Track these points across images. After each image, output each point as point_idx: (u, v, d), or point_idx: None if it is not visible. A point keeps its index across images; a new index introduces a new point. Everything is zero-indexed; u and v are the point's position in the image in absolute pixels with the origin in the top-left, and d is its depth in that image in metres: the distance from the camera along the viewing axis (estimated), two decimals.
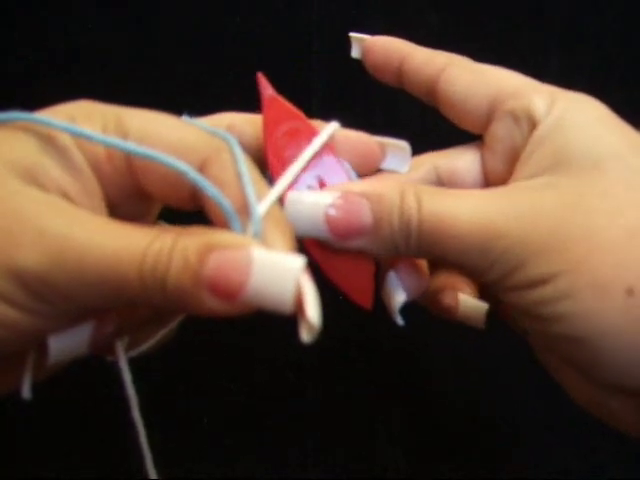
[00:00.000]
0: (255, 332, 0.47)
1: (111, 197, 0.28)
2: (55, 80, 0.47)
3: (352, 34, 0.34)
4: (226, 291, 0.23)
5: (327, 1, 0.48)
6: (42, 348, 0.26)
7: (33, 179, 0.25)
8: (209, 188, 0.25)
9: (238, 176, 0.26)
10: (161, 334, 0.29)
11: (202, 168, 0.26)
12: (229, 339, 0.47)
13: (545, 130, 0.29)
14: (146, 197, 0.28)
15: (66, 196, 0.26)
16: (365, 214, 0.27)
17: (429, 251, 0.28)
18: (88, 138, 0.26)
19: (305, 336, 0.24)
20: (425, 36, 0.44)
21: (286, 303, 0.23)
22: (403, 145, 0.31)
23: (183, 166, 0.25)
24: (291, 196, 0.28)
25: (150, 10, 0.47)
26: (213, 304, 0.23)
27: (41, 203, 0.24)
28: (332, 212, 0.27)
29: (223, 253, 0.23)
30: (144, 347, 0.29)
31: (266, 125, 0.30)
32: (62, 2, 0.47)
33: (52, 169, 0.25)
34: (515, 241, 0.27)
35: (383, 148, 0.31)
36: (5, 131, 0.26)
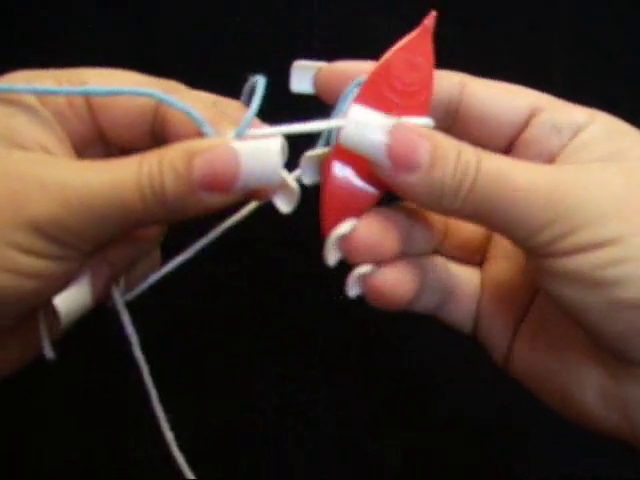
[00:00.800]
0: (256, 334, 0.47)
1: (76, 146, 0.29)
2: None
3: (297, 63, 0.32)
4: (222, 185, 0.26)
5: (327, 1, 0.48)
6: (52, 311, 0.27)
7: (13, 142, 0.26)
8: (177, 103, 0.27)
9: (198, 103, 0.28)
10: (153, 278, 0.30)
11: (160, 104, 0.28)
12: (229, 339, 0.47)
13: (592, 135, 0.29)
14: (107, 144, 0.30)
15: (46, 150, 0.27)
16: (423, 151, 0.27)
17: (477, 207, 0.27)
18: (54, 93, 0.27)
19: (285, 206, 0.28)
20: None
21: (276, 178, 0.27)
22: (294, 189, 0.29)
23: (148, 90, 0.27)
24: (356, 110, 0.28)
25: (150, 10, 0.47)
26: (212, 200, 0.26)
27: (30, 161, 0.26)
28: (390, 139, 0.27)
29: (206, 154, 0.25)
30: (137, 290, 0.30)
31: (402, 43, 0.30)
32: (62, 2, 0.47)
33: (26, 128, 0.27)
34: (580, 201, 0.26)
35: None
36: None
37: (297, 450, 0.47)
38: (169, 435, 0.31)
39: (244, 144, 0.26)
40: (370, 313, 0.33)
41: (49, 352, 0.28)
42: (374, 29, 0.47)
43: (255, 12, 0.48)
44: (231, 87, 0.48)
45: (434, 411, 0.48)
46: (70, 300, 0.27)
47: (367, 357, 0.48)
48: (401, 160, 0.27)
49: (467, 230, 0.33)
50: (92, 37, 0.47)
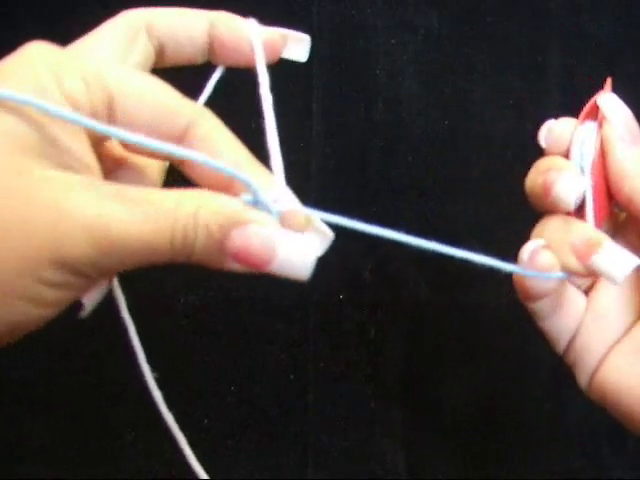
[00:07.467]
0: (256, 334, 0.47)
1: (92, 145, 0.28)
2: None
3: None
4: (253, 265, 0.25)
5: (327, 1, 0.48)
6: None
7: (55, 161, 0.25)
8: (239, 175, 0.26)
9: (222, 138, 0.28)
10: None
11: (188, 128, 0.27)
12: (231, 342, 0.47)
13: None
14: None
15: (87, 167, 0.26)
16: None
17: None
18: (87, 126, 0.26)
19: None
20: (425, 36, 0.44)
21: (306, 274, 0.26)
22: (303, 37, 0.33)
23: (190, 153, 0.26)
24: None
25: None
26: (237, 267, 0.26)
27: (69, 189, 0.25)
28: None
29: (246, 231, 0.25)
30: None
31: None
32: (62, 2, 0.47)
33: (66, 145, 0.26)
34: None
35: (285, 38, 0.34)
36: None
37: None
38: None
39: (285, 237, 0.25)
40: None
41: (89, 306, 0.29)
42: (374, 29, 0.47)
43: (255, 12, 0.48)
44: (231, 86, 0.48)
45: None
46: (94, 297, 0.29)
47: None
48: None
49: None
50: None
